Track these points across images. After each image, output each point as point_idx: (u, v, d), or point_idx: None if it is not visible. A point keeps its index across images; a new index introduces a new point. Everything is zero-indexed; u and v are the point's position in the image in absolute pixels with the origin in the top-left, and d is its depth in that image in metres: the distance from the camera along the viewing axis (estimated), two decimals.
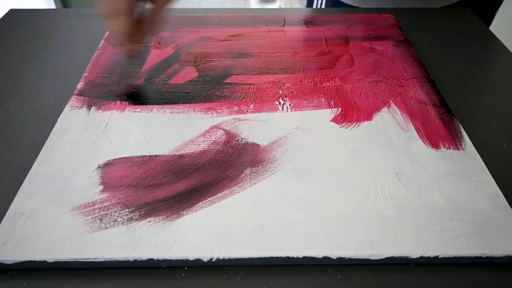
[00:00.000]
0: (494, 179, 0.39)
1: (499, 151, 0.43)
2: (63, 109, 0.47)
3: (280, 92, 0.50)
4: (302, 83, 0.51)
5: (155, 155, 0.41)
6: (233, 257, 0.32)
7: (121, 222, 0.34)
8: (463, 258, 0.33)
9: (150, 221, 0.35)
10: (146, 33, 0.44)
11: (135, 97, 0.48)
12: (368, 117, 0.46)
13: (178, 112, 0.47)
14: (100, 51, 0.57)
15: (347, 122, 0.45)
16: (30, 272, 0.32)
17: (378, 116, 0.46)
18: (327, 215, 0.35)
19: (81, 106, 0.47)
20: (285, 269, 0.33)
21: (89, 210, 0.35)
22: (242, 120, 0.46)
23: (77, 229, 0.34)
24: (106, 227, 0.34)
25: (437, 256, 0.33)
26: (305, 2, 0.75)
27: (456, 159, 0.41)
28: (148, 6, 0.45)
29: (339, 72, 0.54)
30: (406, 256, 0.33)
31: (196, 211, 0.36)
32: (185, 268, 0.33)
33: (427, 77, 0.53)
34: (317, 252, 0.33)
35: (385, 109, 0.47)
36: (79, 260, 0.32)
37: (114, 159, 0.41)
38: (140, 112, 0.47)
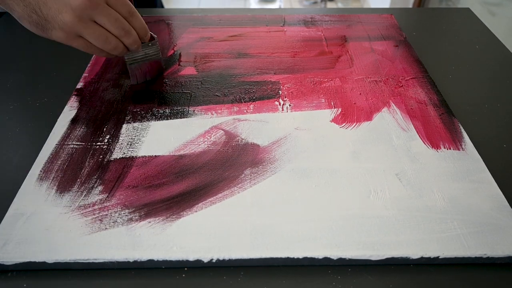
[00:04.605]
0: (494, 179, 0.39)
1: (499, 151, 0.43)
2: (63, 109, 0.47)
3: (280, 92, 0.50)
4: (302, 83, 0.51)
5: (155, 156, 0.41)
6: (233, 258, 0.32)
7: (121, 223, 0.34)
8: (463, 258, 0.33)
9: (150, 222, 0.35)
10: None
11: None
12: (368, 117, 0.46)
13: (178, 112, 0.47)
14: None
15: (347, 123, 0.45)
16: (30, 273, 0.32)
17: (378, 116, 0.46)
18: (327, 215, 0.35)
19: (80, 106, 0.47)
20: (285, 269, 0.33)
21: (89, 211, 0.35)
22: (242, 120, 0.45)
23: (77, 230, 0.34)
24: (106, 228, 0.34)
25: (438, 257, 0.33)
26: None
27: (456, 159, 0.41)
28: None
29: (339, 72, 0.54)
30: (406, 257, 0.33)
31: (196, 211, 0.35)
32: (185, 269, 0.33)
33: (427, 77, 0.53)
34: (317, 252, 0.33)
35: (385, 109, 0.47)
36: (79, 261, 0.32)
37: (114, 159, 0.40)
38: (140, 112, 0.46)
